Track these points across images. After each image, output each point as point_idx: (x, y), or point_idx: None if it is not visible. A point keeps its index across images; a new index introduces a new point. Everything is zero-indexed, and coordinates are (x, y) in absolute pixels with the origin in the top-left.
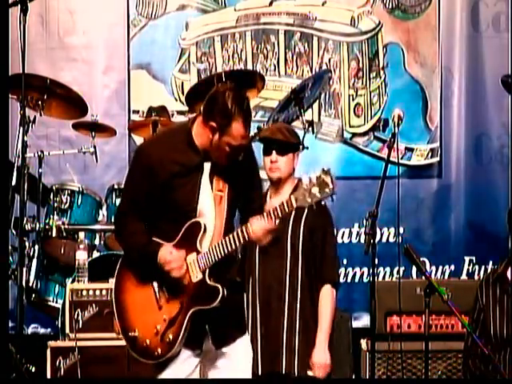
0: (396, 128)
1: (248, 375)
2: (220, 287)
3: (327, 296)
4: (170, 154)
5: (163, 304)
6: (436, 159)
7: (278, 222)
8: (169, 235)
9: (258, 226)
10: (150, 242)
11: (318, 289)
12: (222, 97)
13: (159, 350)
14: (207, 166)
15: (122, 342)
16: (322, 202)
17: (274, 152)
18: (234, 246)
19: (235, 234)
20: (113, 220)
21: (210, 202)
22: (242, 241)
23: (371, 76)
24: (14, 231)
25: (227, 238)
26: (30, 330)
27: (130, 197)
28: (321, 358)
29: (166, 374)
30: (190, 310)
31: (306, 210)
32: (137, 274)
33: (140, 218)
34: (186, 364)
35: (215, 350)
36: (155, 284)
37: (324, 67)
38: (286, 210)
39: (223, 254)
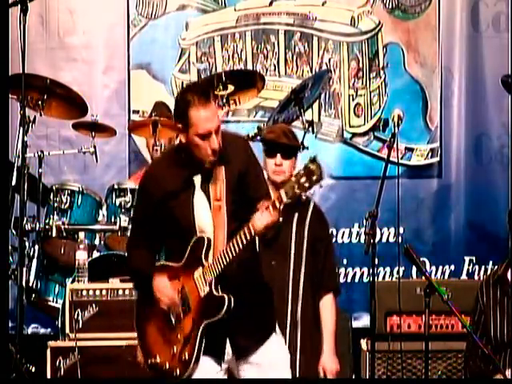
0: (396, 128)
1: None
2: (226, 297)
3: (330, 304)
4: (162, 174)
5: (176, 323)
6: (436, 159)
7: (276, 214)
8: (178, 256)
9: (260, 222)
10: (145, 268)
11: (320, 296)
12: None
13: (177, 371)
14: (197, 178)
15: (122, 342)
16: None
17: (278, 155)
18: (238, 249)
19: (238, 236)
20: (113, 222)
21: (207, 215)
22: (246, 240)
23: (371, 76)
24: (14, 231)
25: (230, 243)
26: (29, 330)
27: (135, 223)
28: (331, 363)
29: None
30: (201, 325)
31: (309, 218)
32: (148, 303)
33: (146, 245)
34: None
35: (239, 360)
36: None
37: (324, 67)
38: (277, 205)
39: (228, 261)
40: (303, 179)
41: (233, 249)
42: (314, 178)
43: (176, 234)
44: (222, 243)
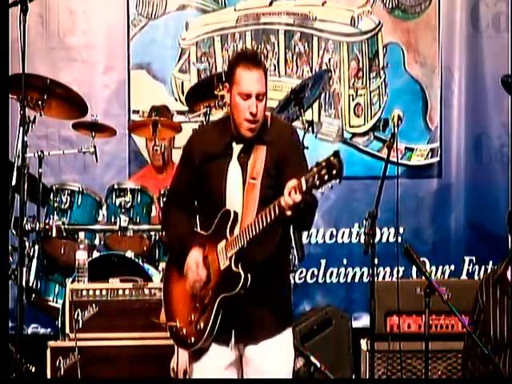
0: (396, 128)
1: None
2: (242, 273)
3: None
4: (204, 139)
5: (197, 293)
6: (436, 159)
7: (299, 197)
8: (205, 225)
9: (284, 203)
10: (186, 237)
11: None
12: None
13: (192, 339)
14: (237, 148)
15: (122, 342)
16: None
17: None
18: (262, 227)
19: (263, 214)
20: (113, 222)
21: (238, 190)
22: (270, 219)
23: (371, 76)
24: (14, 231)
25: (255, 220)
26: (29, 330)
27: (172, 187)
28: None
29: (199, 367)
30: (218, 298)
31: None
32: (177, 267)
33: (182, 209)
34: (220, 359)
35: (242, 346)
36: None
37: (324, 67)
38: (297, 190)
39: (251, 237)
40: (323, 171)
41: (257, 226)
42: (334, 172)
43: (207, 201)
44: (249, 221)
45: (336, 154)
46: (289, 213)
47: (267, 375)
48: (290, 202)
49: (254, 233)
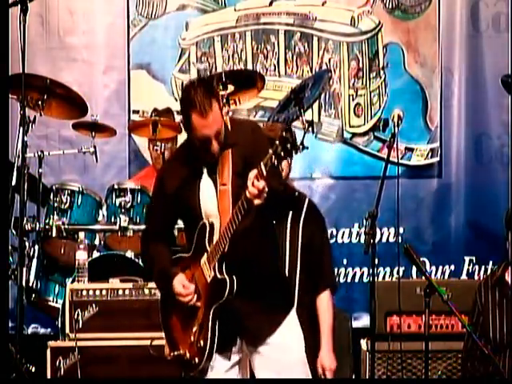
0: (396, 128)
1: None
2: (227, 278)
3: (327, 301)
4: (173, 167)
5: (192, 314)
6: (436, 159)
7: (263, 183)
8: (190, 245)
9: (248, 193)
10: (167, 269)
11: (317, 294)
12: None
13: (196, 359)
14: (206, 168)
15: (122, 342)
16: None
17: None
18: (235, 225)
19: (234, 212)
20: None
21: (213, 201)
22: (241, 214)
23: (371, 76)
24: (14, 231)
25: (227, 222)
26: (30, 330)
27: (148, 222)
28: (329, 360)
29: None
30: (211, 310)
31: (303, 215)
32: (169, 296)
33: (160, 241)
34: (222, 362)
35: (251, 345)
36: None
37: (324, 67)
38: (259, 177)
39: (227, 240)
40: (279, 149)
41: (231, 226)
42: (289, 145)
43: (187, 223)
44: None
45: (287, 129)
46: (257, 201)
47: (283, 361)
48: (255, 190)
49: (229, 235)
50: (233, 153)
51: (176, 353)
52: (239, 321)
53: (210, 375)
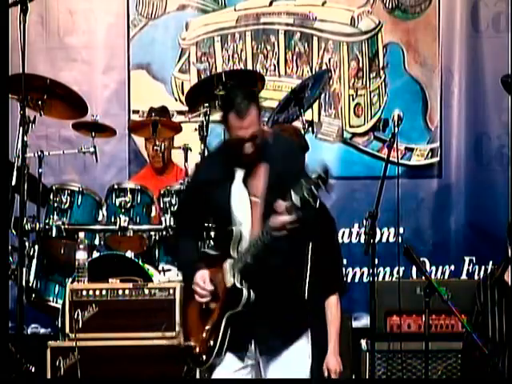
0: (396, 128)
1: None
2: (245, 290)
3: (335, 305)
4: (208, 165)
5: (207, 312)
6: (436, 159)
7: (292, 215)
8: (216, 246)
9: (274, 222)
10: (194, 261)
11: (326, 297)
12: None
13: (203, 356)
14: (239, 172)
15: (122, 342)
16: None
17: None
18: (264, 242)
19: (260, 233)
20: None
21: (245, 209)
22: (266, 239)
23: (371, 76)
24: (14, 231)
25: (256, 237)
26: (29, 330)
27: (180, 212)
28: (335, 363)
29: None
30: (225, 315)
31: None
32: (190, 289)
33: (191, 234)
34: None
35: (263, 356)
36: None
37: (324, 67)
38: (290, 208)
39: (254, 254)
40: (313, 187)
41: (258, 242)
42: (323, 187)
43: (217, 223)
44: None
45: (325, 169)
46: (276, 233)
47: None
48: (277, 223)
49: (256, 249)
50: (269, 167)
51: (187, 344)
52: (255, 328)
53: (219, 372)
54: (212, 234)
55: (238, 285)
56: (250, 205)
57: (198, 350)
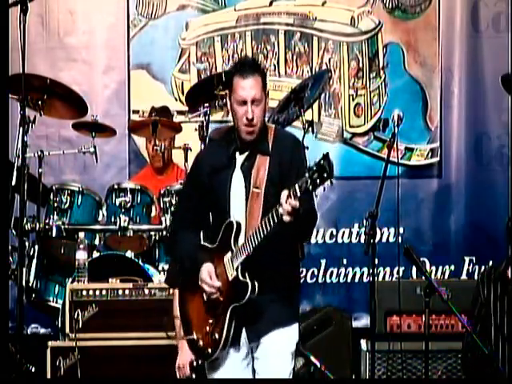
0: (396, 128)
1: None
2: (249, 283)
3: None
4: (209, 154)
5: (210, 305)
6: (436, 159)
7: (295, 203)
8: (212, 236)
9: (281, 209)
10: (196, 253)
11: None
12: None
13: (209, 350)
14: (240, 158)
15: (122, 342)
16: None
17: None
18: (265, 233)
19: (264, 221)
20: (113, 222)
21: (242, 199)
22: (270, 226)
23: (371, 76)
24: (14, 231)
25: (256, 229)
26: (29, 330)
27: (179, 205)
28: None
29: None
30: (229, 308)
31: None
32: (191, 282)
33: (190, 226)
34: (237, 367)
35: (252, 342)
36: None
37: (324, 67)
38: (292, 197)
39: (255, 245)
40: (315, 175)
41: (259, 234)
42: (325, 175)
43: (213, 213)
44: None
45: (325, 156)
46: (287, 218)
47: (271, 369)
48: (289, 207)
49: (257, 241)
50: (271, 160)
51: (190, 337)
52: (246, 315)
53: (226, 363)
54: (210, 225)
55: (241, 277)
56: (249, 196)
57: (201, 343)
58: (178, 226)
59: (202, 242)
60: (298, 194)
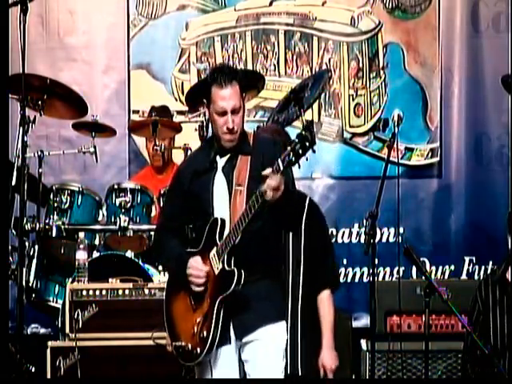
0: (396, 128)
1: (277, 365)
2: (236, 270)
3: (327, 300)
4: (191, 161)
5: (196, 305)
6: (436, 159)
7: (278, 178)
8: (198, 240)
9: (264, 187)
10: (181, 256)
11: (318, 292)
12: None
13: (197, 349)
14: (221, 161)
15: (122, 342)
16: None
17: None
18: (247, 219)
19: (247, 206)
20: (113, 222)
21: (225, 198)
22: (254, 209)
23: (371, 76)
24: (14, 231)
25: (240, 215)
26: (29, 330)
27: (163, 212)
28: (330, 360)
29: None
30: (216, 301)
31: (305, 214)
32: (176, 287)
33: (175, 233)
34: (226, 364)
35: (238, 340)
36: (188, 290)
37: (324, 67)
38: (276, 172)
39: (239, 232)
40: (297, 146)
41: (243, 220)
42: (307, 143)
43: (198, 216)
44: None
45: (307, 126)
46: (270, 194)
47: (260, 368)
48: (272, 182)
49: (241, 228)
50: (252, 158)
51: (177, 344)
52: (235, 308)
53: (219, 361)
54: (194, 225)
55: (227, 267)
56: (231, 194)
57: (190, 346)
58: (162, 232)
59: (188, 249)
60: (281, 168)
